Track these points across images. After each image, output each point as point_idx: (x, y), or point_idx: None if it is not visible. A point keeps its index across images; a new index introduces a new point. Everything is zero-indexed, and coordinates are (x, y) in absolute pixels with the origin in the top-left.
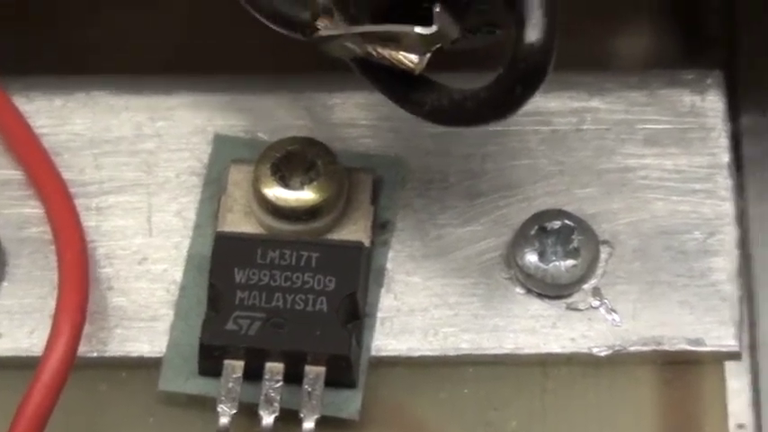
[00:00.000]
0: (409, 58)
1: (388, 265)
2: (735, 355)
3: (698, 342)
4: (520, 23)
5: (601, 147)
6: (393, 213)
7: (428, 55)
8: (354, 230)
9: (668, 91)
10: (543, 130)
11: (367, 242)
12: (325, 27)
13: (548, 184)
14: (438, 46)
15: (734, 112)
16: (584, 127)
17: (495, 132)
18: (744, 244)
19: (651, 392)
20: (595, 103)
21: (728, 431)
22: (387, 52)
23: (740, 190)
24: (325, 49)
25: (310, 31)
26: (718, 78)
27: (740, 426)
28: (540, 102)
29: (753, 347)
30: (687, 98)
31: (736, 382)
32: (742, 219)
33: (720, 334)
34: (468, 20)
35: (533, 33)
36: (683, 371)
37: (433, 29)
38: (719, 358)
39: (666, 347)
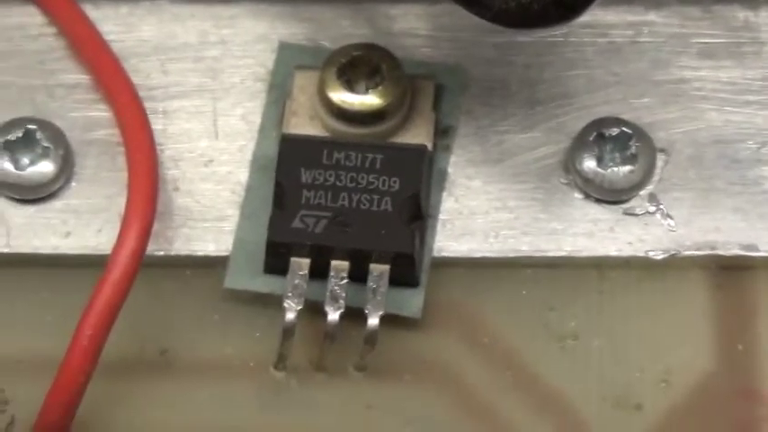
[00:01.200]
0: None
1: (450, 169)
2: None
3: (751, 247)
4: None
5: (656, 59)
6: (455, 119)
7: None
8: (417, 134)
9: (722, 6)
10: (600, 41)
11: (429, 145)
12: None
13: (605, 94)
14: None
15: None
16: (641, 39)
17: (553, 43)
18: None
19: (705, 296)
20: (651, 16)
21: None
22: None
23: None
24: None
25: None
26: None
27: None
28: (598, 14)
29: None
30: (740, 13)
31: None
32: None
33: None
34: None
35: None
36: (737, 276)
37: None
38: None
39: (720, 252)
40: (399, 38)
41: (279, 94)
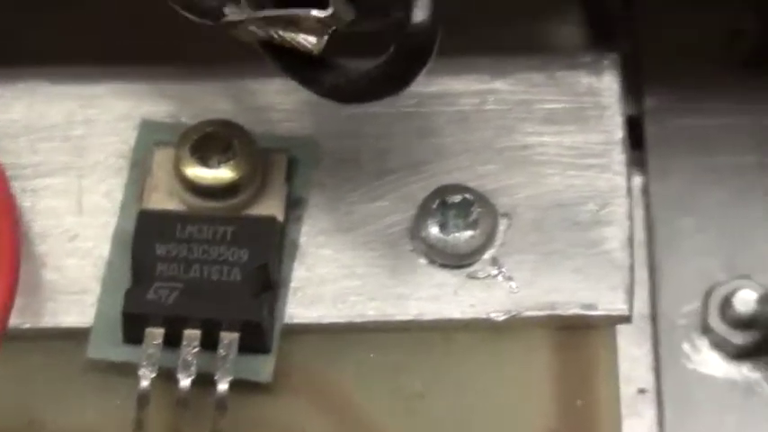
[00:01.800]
0: (308, 40)
1: (302, 240)
2: (625, 319)
3: (590, 307)
4: (407, 4)
5: (502, 126)
6: (306, 191)
7: (326, 37)
8: (269, 207)
9: (567, 72)
10: (448, 110)
11: (280, 217)
12: (231, 12)
13: (452, 162)
14: (334, 28)
15: (638, 93)
16: (487, 107)
17: (404, 113)
18: (647, 217)
19: (546, 355)
20: (498, 84)
21: (619, 392)
22: (288, 35)
23: (643, 166)
24: (233, 34)
25: (218, 16)
26: (614, 61)
27: (641, 390)
28: (447, 83)
29: (654, 316)
30: (585, 79)
31: (638, 350)
32: (645, 193)
33: (611, 299)
34: (363, 3)
35: (420, 14)
36: (578, 335)
37: (329, 12)
38: (611, 322)
39: (560, 312)
40: (259, 112)
41: (140, 170)
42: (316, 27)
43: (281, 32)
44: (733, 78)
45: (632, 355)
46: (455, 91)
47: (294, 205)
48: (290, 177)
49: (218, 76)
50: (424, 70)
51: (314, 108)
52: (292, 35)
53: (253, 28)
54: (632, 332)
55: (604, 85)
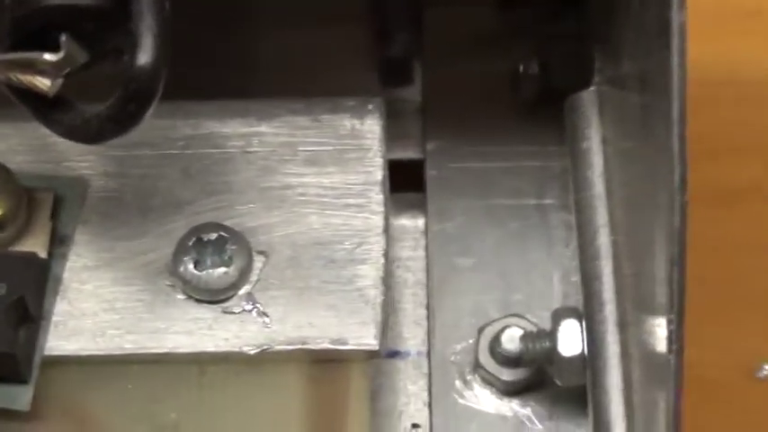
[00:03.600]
0: (43, 82)
1: (65, 275)
2: (374, 354)
3: (340, 341)
4: (133, 48)
5: (265, 167)
6: (72, 228)
7: (60, 79)
8: (32, 244)
9: (331, 116)
10: (214, 152)
11: (42, 254)
12: None
13: (214, 201)
14: (69, 70)
15: (422, 137)
16: (252, 149)
17: (170, 155)
18: (427, 258)
19: (300, 388)
20: (263, 127)
21: (368, 423)
22: (25, 78)
23: (423, 208)
24: None
25: None
26: (378, 105)
27: (415, 425)
28: (215, 127)
29: (429, 354)
30: (348, 122)
31: (413, 386)
32: (425, 235)
33: (361, 334)
34: (97, 46)
35: (144, 57)
36: (331, 369)
37: (61, 55)
38: (361, 356)
39: (311, 346)
40: (28, 153)
41: None
42: (50, 70)
43: (18, 75)
44: (516, 122)
45: (408, 392)
46: (222, 134)
47: (60, 242)
48: (56, 215)
49: None
50: (150, 111)
51: (83, 148)
52: (29, 77)
53: None
54: (410, 369)
55: (366, 128)
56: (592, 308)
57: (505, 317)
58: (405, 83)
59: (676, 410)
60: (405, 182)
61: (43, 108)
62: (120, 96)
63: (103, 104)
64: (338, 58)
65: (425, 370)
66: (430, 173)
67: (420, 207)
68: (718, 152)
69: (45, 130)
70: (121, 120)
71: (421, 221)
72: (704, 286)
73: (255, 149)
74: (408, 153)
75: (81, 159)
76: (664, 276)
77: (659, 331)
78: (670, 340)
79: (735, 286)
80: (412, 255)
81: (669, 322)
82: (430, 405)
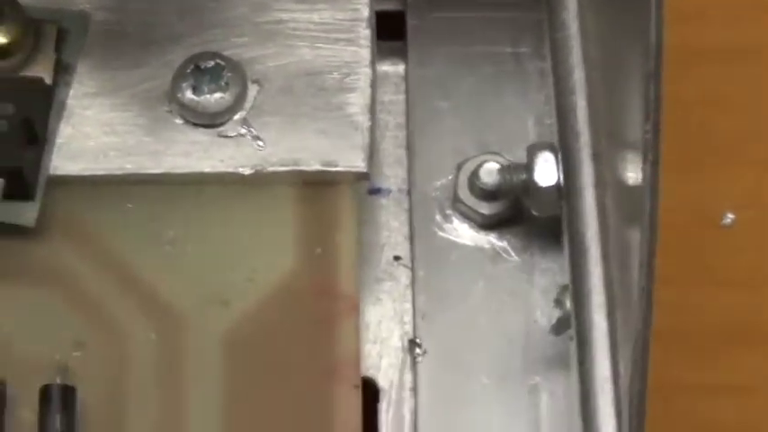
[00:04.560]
0: None
1: (70, 101)
2: (363, 175)
3: (331, 163)
4: None
5: (258, 3)
6: (75, 58)
7: None
8: (38, 71)
9: None
10: None
11: (48, 80)
12: None
13: (210, 34)
14: None
15: None
16: None
17: None
18: (407, 102)
19: (291, 207)
20: None
21: (356, 242)
22: None
23: (404, 56)
24: None
25: None
26: None
27: (397, 257)
28: None
29: (410, 191)
30: None
31: (395, 221)
32: (405, 80)
33: (351, 157)
34: None
35: None
36: (320, 190)
37: None
38: (350, 178)
39: (303, 168)
40: None
41: None
42: None
43: None
44: None
45: (390, 227)
46: None
47: (64, 71)
48: (60, 46)
49: None
50: None
51: None
52: None
53: None
54: (391, 206)
55: None
56: (567, 139)
57: (483, 153)
58: None
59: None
60: (387, 32)
61: None
62: None
63: None
64: None
65: (406, 206)
66: (411, 22)
67: (401, 55)
68: None
69: None
70: None
71: (401, 68)
72: (669, 139)
73: None
74: (390, 5)
75: None
76: (640, 91)
77: (633, 158)
78: (645, 151)
79: (700, 139)
80: (393, 99)
81: (645, 132)
82: (411, 238)
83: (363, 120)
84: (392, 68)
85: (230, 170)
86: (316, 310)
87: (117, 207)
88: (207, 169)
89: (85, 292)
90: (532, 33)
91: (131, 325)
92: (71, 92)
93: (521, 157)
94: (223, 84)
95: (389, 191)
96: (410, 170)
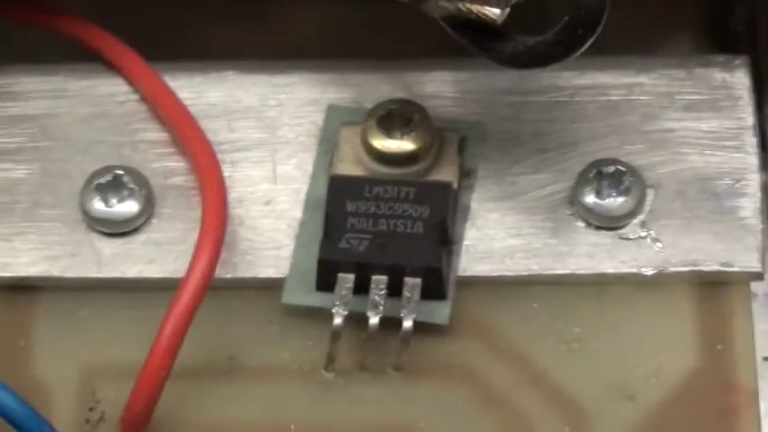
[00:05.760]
0: (492, 12)
1: (473, 205)
2: (758, 275)
3: (727, 264)
4: None
5: (647, 113)
6: (476, 164)
7: (508, 9)
8: (444, 174)
9: (703, 70)
10: (600, 99)
11: (455, 184)
12: None
13: (602, 142)
14: (516, 1)
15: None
16: (633, 97)
17: (559, 102)
18: None
19: (689, 306)
20: (642, 78)
21: (754, 339)
22: (474, 7)
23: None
24: (424, 9)
25: None
26: (744, 61)
27: (766, 358)
28: (597, 77)
29: None
30: (718, 75)
31: (764, 324)
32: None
33: (746, 258)
34: None
35: None
36: (716, 289)
37: None
38: (745, 278)
39: (702, 268)
40: (429, 99)
41: (328, 145)
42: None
43: (467, 5)
44: None
45: (760, 329)
46: (604, 84)
47: (466, 175)
48: (460, 152)
49: (393, 69)
50: (593, 39)
51: (476, 96)
52: (477, 7)
53: (442, 3)
54: (762, 308)
55: (736, 80)
56: None
57: None
58: (736, 46)
59: None
60: None
61: (484, 38)
62: (568, 22)
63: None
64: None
65: None
66: None
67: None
68: None
69: (438, 80)
70: (569, 44)
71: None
72: None
73: (637, 97)
74: None
75: (476, 106)
76: None
77: None
78: None
79: None
80: None
81: None
82: None
83: (755, 223)
84: None
85: (633, 271)
86: (718, 404)
87: (522, 307)
88: (610, 270)
89: (492, 388)
90: None
91: (539, 418)
92: (474, 196)
93: None
94: (623, 188)
95: (755, 295)
96: None
